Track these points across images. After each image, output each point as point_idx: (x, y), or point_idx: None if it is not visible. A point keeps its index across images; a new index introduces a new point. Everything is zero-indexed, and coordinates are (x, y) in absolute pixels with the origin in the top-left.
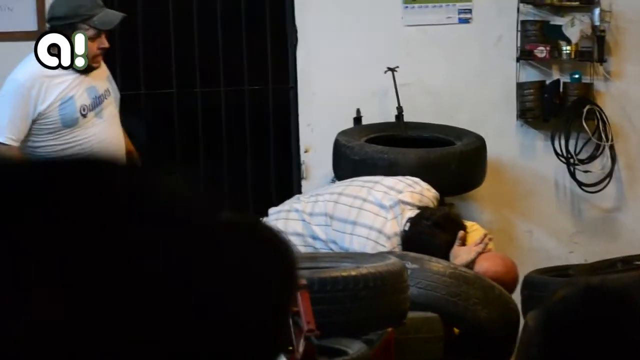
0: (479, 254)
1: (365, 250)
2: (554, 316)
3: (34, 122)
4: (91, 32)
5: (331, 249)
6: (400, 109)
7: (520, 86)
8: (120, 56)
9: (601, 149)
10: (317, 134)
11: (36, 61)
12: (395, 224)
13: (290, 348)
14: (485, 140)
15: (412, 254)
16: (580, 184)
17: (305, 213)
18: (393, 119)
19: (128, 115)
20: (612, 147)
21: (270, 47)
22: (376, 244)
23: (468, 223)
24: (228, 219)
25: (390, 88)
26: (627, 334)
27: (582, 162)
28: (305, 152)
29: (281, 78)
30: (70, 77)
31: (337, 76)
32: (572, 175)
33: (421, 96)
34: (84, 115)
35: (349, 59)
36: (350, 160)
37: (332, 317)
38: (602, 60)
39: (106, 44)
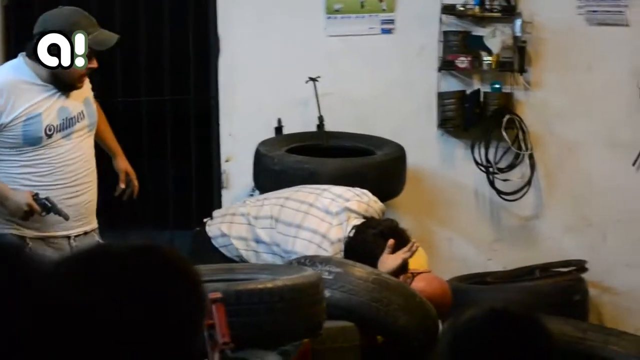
0: (405, 260)
1: (308, 253)
2: (459, 337)
3: None
4: None
5: (274, 252)
6: (321, 118)
7: (441, 96)
8: None
9: (520, 157)
10: (238, 144)
11: (9, 70)
12: (339, 229)
13: None
14: (406, 149)
15: (336, 258)
16: (500, 193)
17: (250, 216)
18: (315, 129)
19: None
20: (531, 156)
21: (192, 56)
22: (319, 247)
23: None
24: (132, 247)
25: (311, 98)
26: (530, 356)
27: (501, 170)
28: (227, 161)
29: (203, 88)
30: (44, 94)
31: (259, 86)
32: (492, 183)
33: (343, 106)
34: (49, 136)
35: (271, 69)
36: (271, 170)
37: (248, 330)
38: (522, 70)
39: (95, 65)
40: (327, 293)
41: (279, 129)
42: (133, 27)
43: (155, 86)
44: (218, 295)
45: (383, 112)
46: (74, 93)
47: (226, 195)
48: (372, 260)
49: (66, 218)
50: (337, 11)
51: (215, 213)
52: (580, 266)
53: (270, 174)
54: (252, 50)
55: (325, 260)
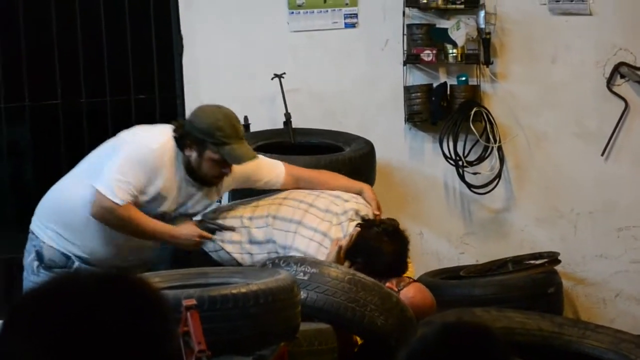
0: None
1: (309, 251)
2: (413, 356)
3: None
4: (216, 157)
5: (269, 251)
6: (288, 115)
7: (408, 90)
8: (3, 67)
9: (489, 150)
10: None
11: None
12: (339, 229)
13: None
14: (374, 144)
15: (311, 258)
16: (470, 186)
17: (245, 217)
18: (281, 126)
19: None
20: (500, 148)
21: (155, 56)
22: (320, 245)
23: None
24: (97, 277)
25: (278, 94)
26: None
27: (470, 164)
28: None
29: (168, 87)
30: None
31: (224, 84)
32: (461, 177)
33: (309, 102)
34: (162, 216)
35: (236, 67)
36: None
37: (223, 335)
38: (488, 62)
39: (229, 172)
40: (302, 294)
41: (246, 127)
42: (95, 28)
43: (119, 86)
44: (192, 302)
45: (350, 107)
46: (207, 190)
47: None
48: (373, 259)
49: (233, 230)
50: (299, 6)
51: (205, 216)
52: (552, 258)
53: None
54: (215, 48)
55: (301, 261)
